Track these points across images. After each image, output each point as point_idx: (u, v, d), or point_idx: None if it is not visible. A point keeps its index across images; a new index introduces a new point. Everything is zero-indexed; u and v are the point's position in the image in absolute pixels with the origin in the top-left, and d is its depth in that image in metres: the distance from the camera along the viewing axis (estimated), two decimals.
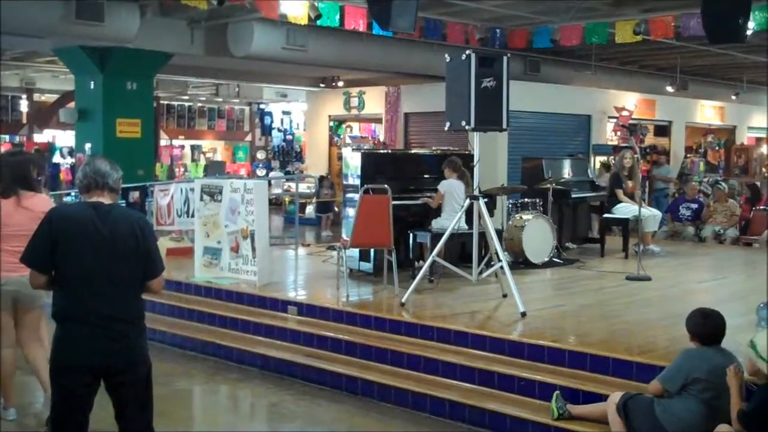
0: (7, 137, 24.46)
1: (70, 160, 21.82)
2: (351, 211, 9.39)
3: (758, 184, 17.47)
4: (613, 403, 5.49)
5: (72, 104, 17.06)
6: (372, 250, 9.56)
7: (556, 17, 13.93)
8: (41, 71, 21.49)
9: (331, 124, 21.73)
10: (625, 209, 11.46)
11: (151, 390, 4.35)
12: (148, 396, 4.34)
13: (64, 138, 23.46)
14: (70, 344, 4.12)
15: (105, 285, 4.11)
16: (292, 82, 21.32)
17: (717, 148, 23.17)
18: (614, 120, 19.77)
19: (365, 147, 16.07)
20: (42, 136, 24.41)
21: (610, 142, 19.55)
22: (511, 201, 11.42)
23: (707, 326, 5.37)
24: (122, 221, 4.20)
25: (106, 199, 4.23)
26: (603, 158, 18.13)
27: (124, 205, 12.93)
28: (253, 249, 9.17)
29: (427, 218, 9.69)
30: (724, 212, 14.13)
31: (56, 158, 23.17)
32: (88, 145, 14.73)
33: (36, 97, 24.31)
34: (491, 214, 8.94)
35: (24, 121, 24.30)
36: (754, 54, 16.33)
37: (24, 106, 24.18)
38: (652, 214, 11.71)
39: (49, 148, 22.99)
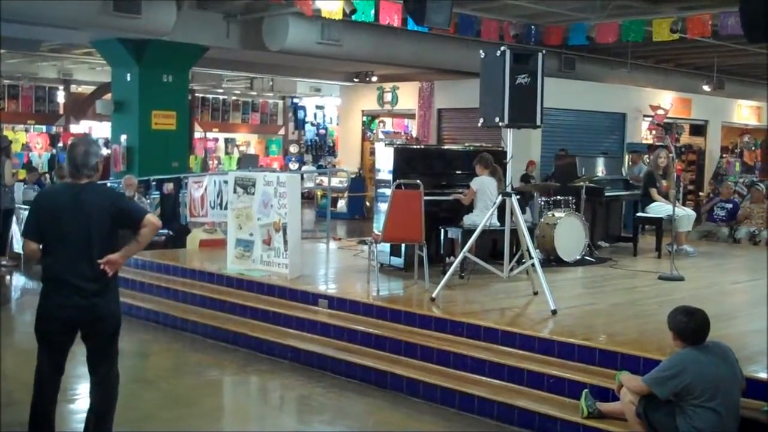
0: (44, 128, 24.78)
1: (106, 151, 22.05)
2: (383, 206, 9.40)
3: None
4: (630, 403, 5.41)
5: (108, 96, 17.25)
6: (403, 245, 9.56)
7: (592, 14, 13.85)
8: (78, 63, 21.75)
9: (364, 119, 21.78)
10: (659, 208, 11.38)
11: (116, 342, 5.01)
12: (113, 347, 5.00)
13: (101, 129, 23.70)
14: (53, 300, 4.80)
15: (82, 250, 4.74)
16: (325, 76, 21.38)
17: (753, 148, 22.89)
18: (649, 118, 19.62)
19: (398, 142, 16.10)
20: (78, 127, 24.67)
21: (645, 141, 19.39)
22: (543, 198, 11.38)
23: (691, 325, 5.24)
24: (96, 195, 4.86)
25: (83, 180, 4.84)
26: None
27: (158, 195, 13.15)
28: (285, 242, 9.22)
29: (459, 214, 9.68)
30: (761, 213, 13.96)
31: None
32: (123, 137, 14.90)
33: (73, 88, 24.59)
34: (523, 211, 8.92)
35: (61, 111, 24.59)
36: None
37: (61, 97, 24.46)
38: (686, 214, 11.61)
39: None
